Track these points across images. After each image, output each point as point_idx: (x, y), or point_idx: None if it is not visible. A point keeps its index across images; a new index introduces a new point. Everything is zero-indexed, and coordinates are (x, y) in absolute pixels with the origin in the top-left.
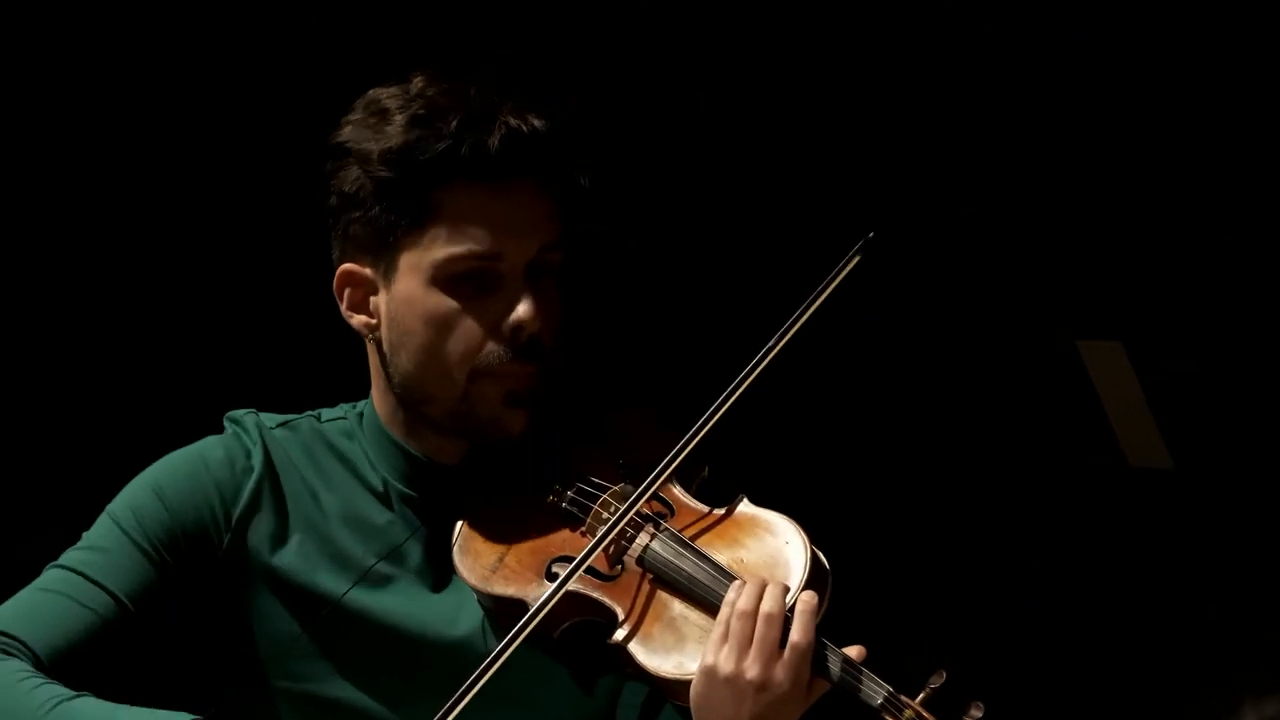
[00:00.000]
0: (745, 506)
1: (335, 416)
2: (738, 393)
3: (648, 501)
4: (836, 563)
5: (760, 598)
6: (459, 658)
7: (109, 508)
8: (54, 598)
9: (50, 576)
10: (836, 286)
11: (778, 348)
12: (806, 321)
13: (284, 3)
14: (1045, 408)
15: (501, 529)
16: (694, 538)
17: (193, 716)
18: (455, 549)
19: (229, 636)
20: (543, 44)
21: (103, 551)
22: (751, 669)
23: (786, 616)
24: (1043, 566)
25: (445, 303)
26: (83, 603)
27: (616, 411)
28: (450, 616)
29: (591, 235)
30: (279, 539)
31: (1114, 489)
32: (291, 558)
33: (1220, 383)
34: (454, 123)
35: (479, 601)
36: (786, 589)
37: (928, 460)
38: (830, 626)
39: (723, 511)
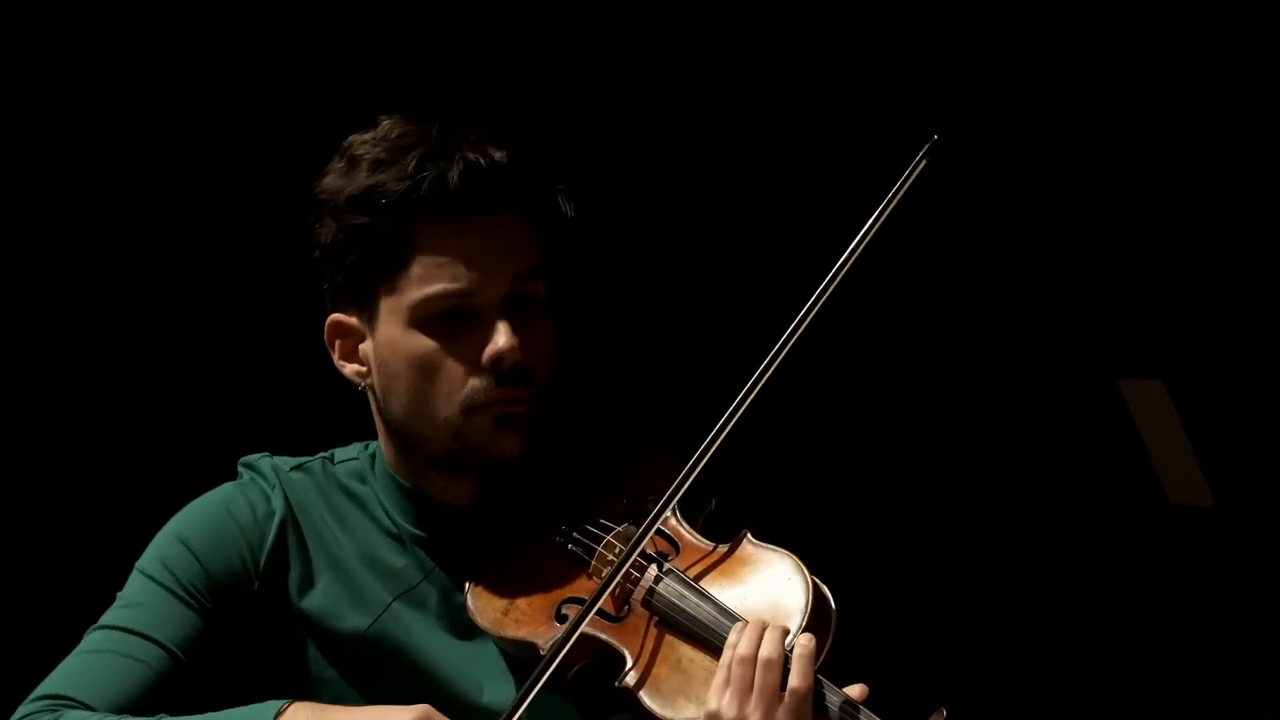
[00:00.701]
0: (749, 543)
1: (348, 458)
2: (744, 407)
3: (652, 539)
4: (881, 598)
5: (759, 642)
6: (479, 700)
7: (138, 564)
8: (102, 657)
9: (93, 638)
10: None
11: (793, 339)
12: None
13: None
14: (1087, 445)
15: (512, 571)
16: (698, 577)
17: (282, 701)
18: (468, 593)
19: (264, 678)
20: (527, 66)
21: (142, 606)
22: (754, 715)
23: (787, 658)
24: (1083, 603)
25: (426, 344)
26: (134, 657)
27: (624, 445)
28: (471, 659)
29: (589, 258)
30: (306, 581)
31: (1155, 526)
32: (320, 599)
33: (1262, 421)
34: (413, 162)
35: (495, 644)
36: (786, 631)
37: (970, 496)
38: (867, 661)
39: (726, 548)
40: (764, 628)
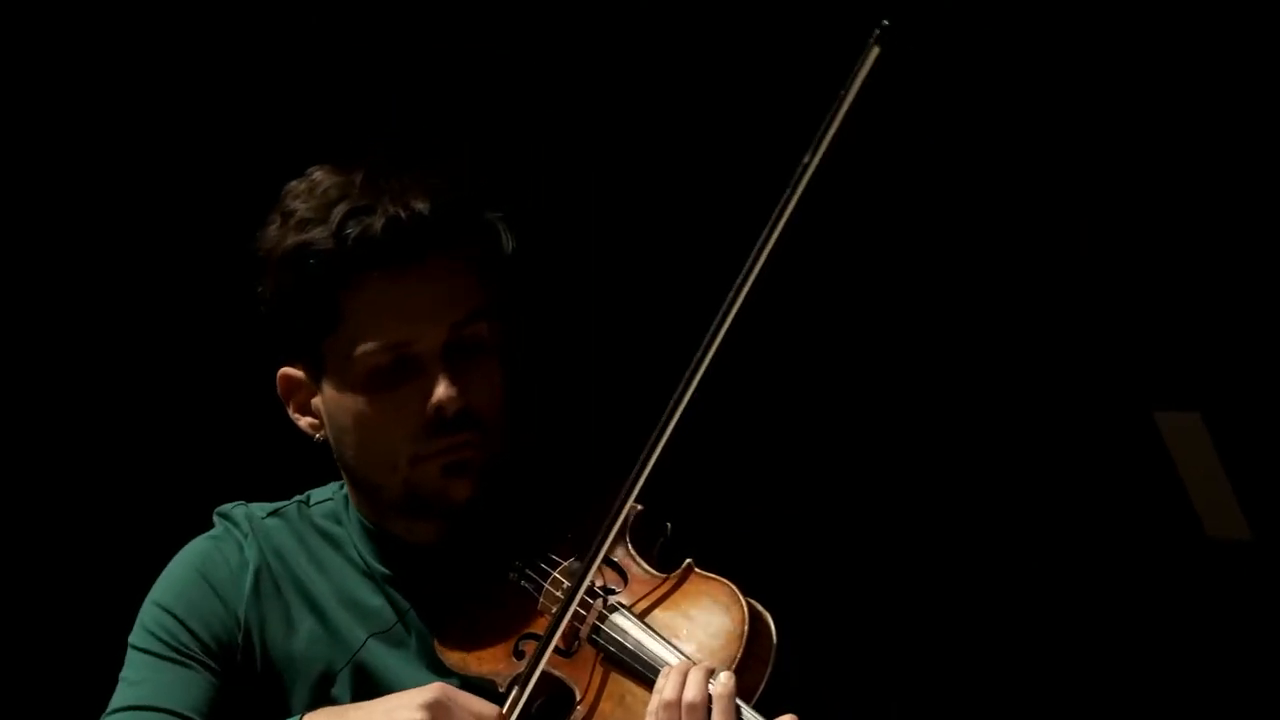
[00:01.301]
0: (694, 573)
1: (323, 499)
2: (669, 429)
3: (603, 571)
4: (918, 632)
5: (683, 685)
6: None
7: (130, 641)
8: None
9: None
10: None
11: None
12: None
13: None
14: (1124, 478)
15: (475, 610)
16: (643, 611)
17: (299, 715)
18: (435, 634)
19: None
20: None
21: (145, 681)
22: None
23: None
24: (1120, 636)
25: (369, 398)
26: None
27: (581, 477)
28: None
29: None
30: (287, 626)
31: (1192, 559)
32: (302, 642)
33: None
34: (338, 218)
35: (464, 683)
36: (711, 671)
37: (1005, 528)
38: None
39: (674, 580)
40: (687, 670)
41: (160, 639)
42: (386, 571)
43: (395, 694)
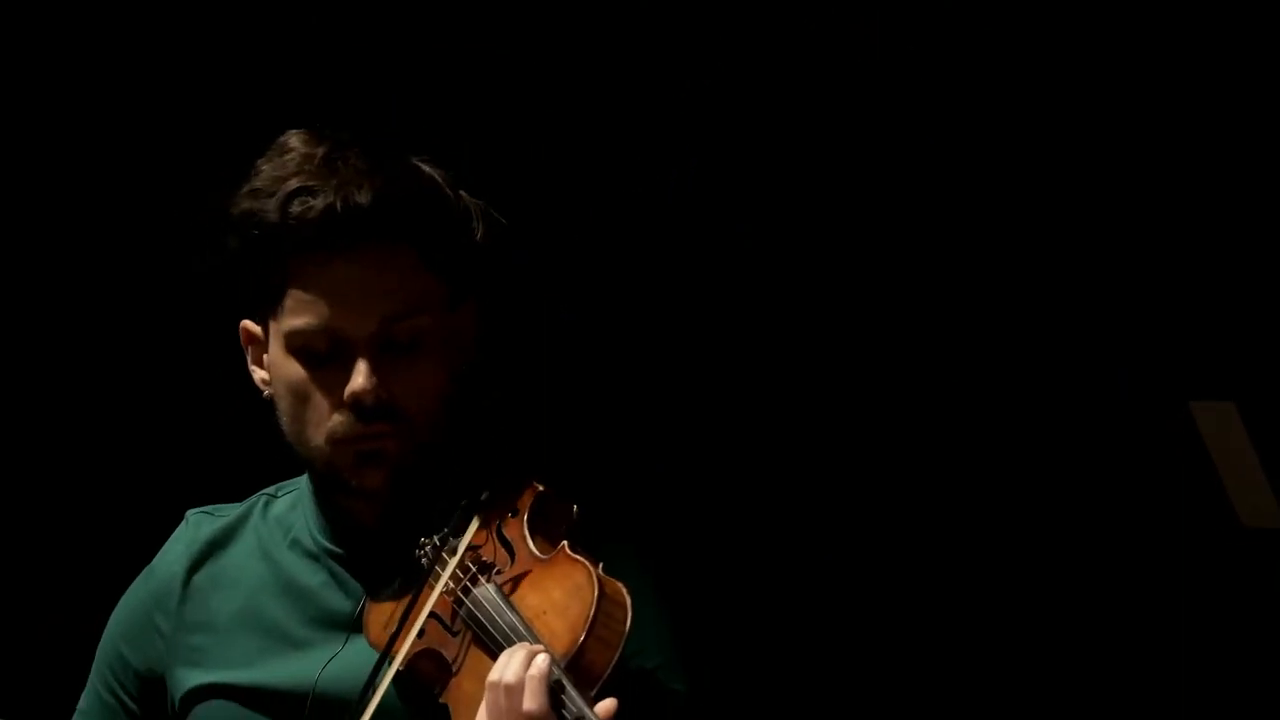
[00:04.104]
0: (563, 554)
1: (290, 489)
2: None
3: (495, 548)
4: (955, 622)
5: (506, 667)
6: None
7: (91, 669)
8: None
9: None
10: None
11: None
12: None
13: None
14: (1159, 468)
15: (393, 589)
16: (512, 590)
17: None
18: (365, 610)
19: None
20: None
21: (84, 715)
22: None
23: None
24: (1155, 626)
25: (299, 371)
26: None
27: (498, 460)
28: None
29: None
30: (211, 635)
31: (1227, 549)
32: (224, 648)
33: None
34: (284, 194)
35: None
36: (533, 654)
37: (1040, 519)
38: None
39: (547, 561)
40: (514, 652)
41: (104, 675)
42: (333, 548)
43: None
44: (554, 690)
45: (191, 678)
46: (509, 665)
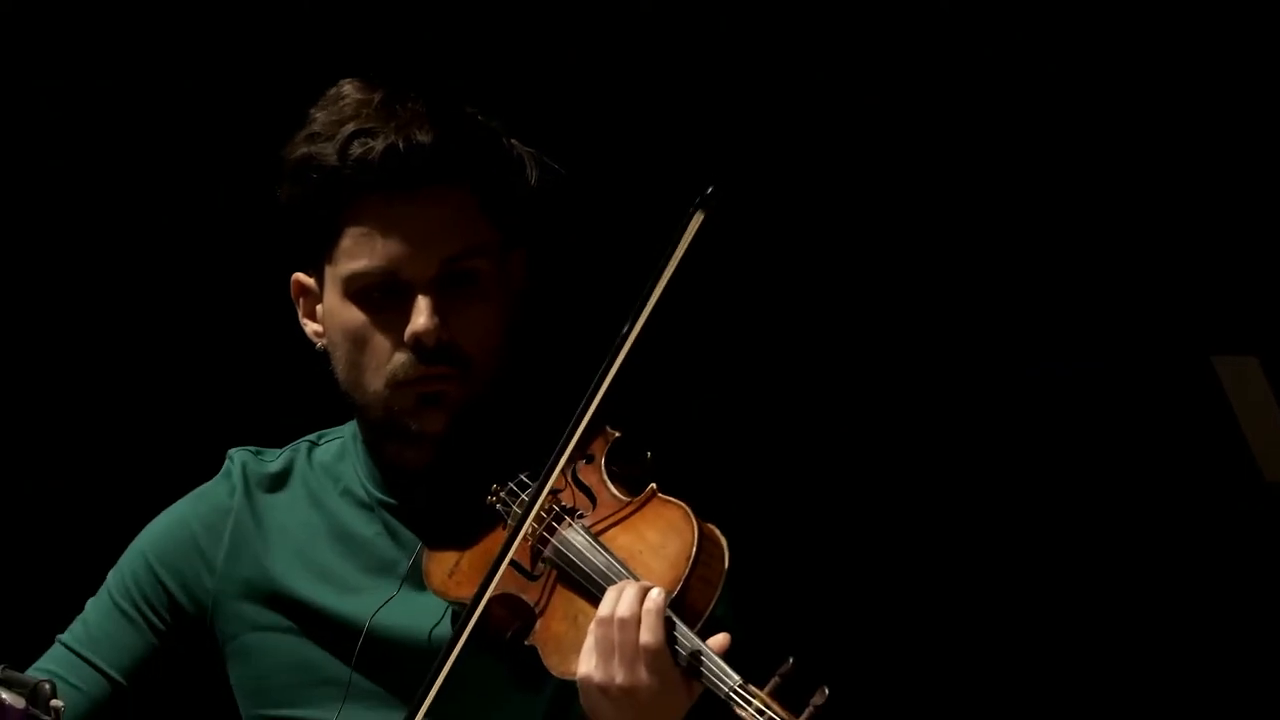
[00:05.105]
0: (654, 497)
1: (334, 437)
2: (605, 383)
3: (573, 494)
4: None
5: (616, 602)
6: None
7: (108, 576)
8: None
9: (51, 653)
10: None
11: (634, 331)
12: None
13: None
14: (1180, 423)
15: (459, 534)
16: (601, 532)
17: None
18: (423, 558)
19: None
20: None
21: (95, 626)
22: (618, 675)
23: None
24: (1178, 582)
25: (358, 316)
26: (72, 683)
27: (562, 405)
28: (435, 622)
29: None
30: (265, 572)
31: (1250, 504)
32: (279, 585)
33: None
34: (344, 136)
35: (450, 608)
36: (646, 589)
37: (1062, 477)
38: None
39: (635, 504)
40: (623, 589)
41: (127, 586)
42: (385, 498)
43: None
44: (667, 625)
45: (244, 607)
46: (621, 600)
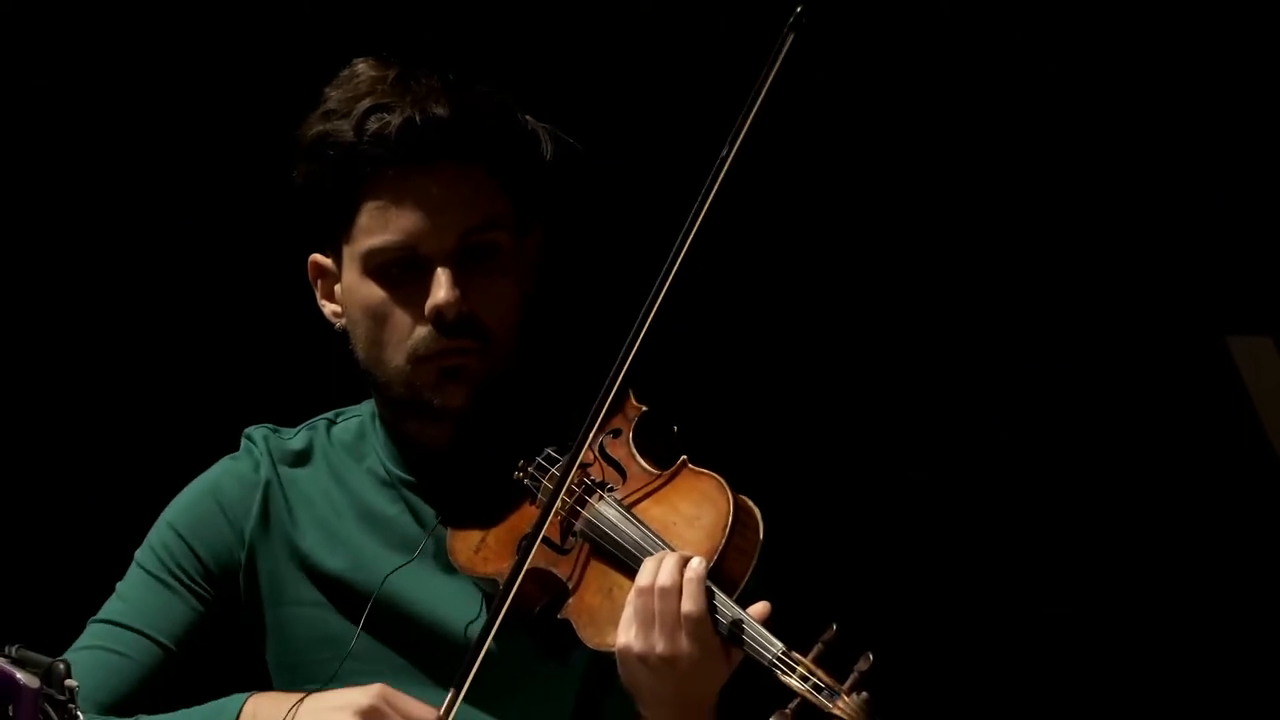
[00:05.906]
0: (686, 469)
1: (351, 415)
2: (639, 337)
3: (601, 467)
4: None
5: (656, 572)
6: (466, 638)
7: (136, 555)
8: (91, 654)
9: (88, 632)
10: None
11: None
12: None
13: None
14: (1194, 403)
15: (483, 511)
16: (634, 505)
17: (243, 697)
18: (448, 534)
19: (251, 652)
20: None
21: (133, 599)
22: (659, 644)
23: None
24: (1192, 564)
25: (377, 292)
26: (120, 652)
27: (584, 379)
28: (456, 598)
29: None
30: (294, 546)
31: (1265, 485)
32: (309, 559)
33: None
34: (359, 113)
35: (474, 584)
36: (685, 559)
37: (1075, 457)
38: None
39: (666, 476)
40: (662, 559)
41: (160, 558)
42: (406, 477)
43: (334, 692)
44: (707, 595)
45: (273, 580)
46: (661, 570)
